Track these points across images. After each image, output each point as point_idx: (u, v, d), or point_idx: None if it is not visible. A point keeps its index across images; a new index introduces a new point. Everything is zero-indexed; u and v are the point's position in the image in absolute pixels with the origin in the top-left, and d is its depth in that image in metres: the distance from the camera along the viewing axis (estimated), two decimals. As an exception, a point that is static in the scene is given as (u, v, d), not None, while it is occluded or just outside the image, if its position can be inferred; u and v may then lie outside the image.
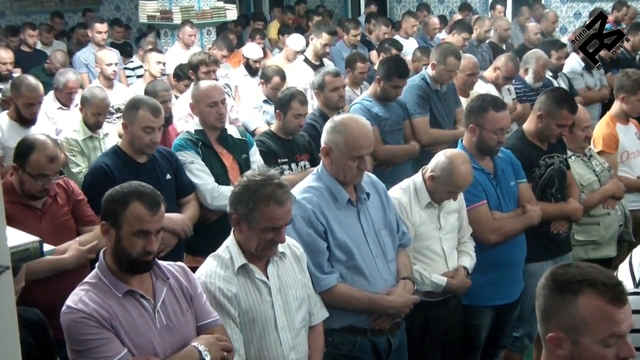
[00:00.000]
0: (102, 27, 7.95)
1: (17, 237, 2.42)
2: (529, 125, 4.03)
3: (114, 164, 3.64)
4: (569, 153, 4.25)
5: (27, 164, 3.31)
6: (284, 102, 4.29)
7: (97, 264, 2.63)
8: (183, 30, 7.65)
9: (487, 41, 7.56)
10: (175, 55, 7.38)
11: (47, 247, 2.60)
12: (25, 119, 4.78)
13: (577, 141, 4.29)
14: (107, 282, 2.54)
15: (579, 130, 4.22)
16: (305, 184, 3.17)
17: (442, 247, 3.51)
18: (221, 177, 4.00)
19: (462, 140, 3.84)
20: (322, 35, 6.36)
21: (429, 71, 5.14)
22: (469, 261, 3.60)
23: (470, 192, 3.63)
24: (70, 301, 2.51)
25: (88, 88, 5.48)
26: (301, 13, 11.74)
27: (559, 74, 6.31)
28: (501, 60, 5.65)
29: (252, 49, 7.02)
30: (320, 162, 3.19)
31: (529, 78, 5.77)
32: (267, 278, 2.81)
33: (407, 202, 3.44)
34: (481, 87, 5.46)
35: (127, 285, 2.55)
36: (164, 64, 6.57)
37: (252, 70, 6.89)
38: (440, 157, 3.44)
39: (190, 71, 5.90)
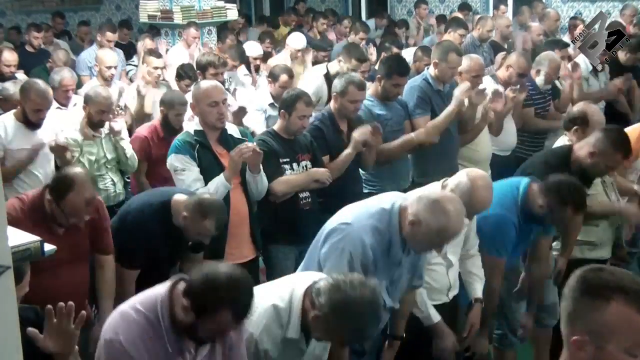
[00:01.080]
0: (113, 36, 7.84)
1: (18, 237, 2.42)
2: (577, 155, 3.93)
3: (158, 221, 3.55)
4: None
5: (63, 202, 3.24)
6: (289, 102, 4.22)
7: (161, 305, 2.44)
8: (187, 32, 7.61)
9: (489, 40, 7.53)
10: (178, 55, 7.35)
11: (48, 247, 2.60)
12: (31, 123, 4.78)
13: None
14: (165, 334, 2.43)
15: None
16: (372, 212, 2.96)
17: (447, 258, 3.49)
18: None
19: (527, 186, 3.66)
20: (352, 61, 6.02)
21: (430, 71, 5.08)
22: (479, 288, 3.56)
23: (502, 243, 3.59)
24: (121, 329, 2.41)
25: (91, 87, 5.41)
26: (302, 12, 11.73)
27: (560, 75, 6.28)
28: (512, 58, 5.54)
29: (252, 47, 7.00)
30: (395, 208, 2.97)
31: (539, 79, 5.66)
32: (307, 345, 2.74)
33: None
34: (490, 86, 5.39)
35: (179, 344, 2.45)
36: (162, 68, 6.43)
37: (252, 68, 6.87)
38: (462, 178, 3.33)
39: (198, 71, 5.86)
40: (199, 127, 4.00)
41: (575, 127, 4.40)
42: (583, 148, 3.93)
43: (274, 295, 2.69)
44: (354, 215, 2.99)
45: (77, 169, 3.44)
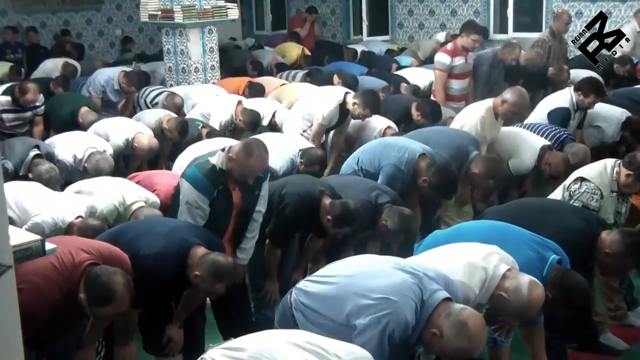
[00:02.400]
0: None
1: (19, 236, 2.42)
2: (599, 245, 3.78)
3: (174, 271, 3.51)
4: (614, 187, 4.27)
5: (98, 310, 3.18)
6: (341, 223, 4.16)
7: None
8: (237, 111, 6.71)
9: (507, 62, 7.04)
10: (204, 95, 7.29)
11: (48, 245, 2.61)
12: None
13: (634, 188, 4.28)
14: None
15: None
16: (414, 289, 2.91)
17: None
18: (224, 219, 3.96)
19: None
20: (365, 110, 5.81)
21: (496, 105, 5.24)
22: None
23: None
24: None
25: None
26: (311, 20, 11.54)
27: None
28: (557, 157, 5.29)
29: (291, 125, 6.23)
30: (432, 302, 2.90)
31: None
32: None
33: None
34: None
35: None
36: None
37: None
38: (522, 288, 3.17)
39: None
40: (224, 166, 3.88)
41: (631, 172, 4.29)
42: (605, 240, 3.78)
43: None
44: (393, 289, 2.93)
45: (118, 277, 3.13)
